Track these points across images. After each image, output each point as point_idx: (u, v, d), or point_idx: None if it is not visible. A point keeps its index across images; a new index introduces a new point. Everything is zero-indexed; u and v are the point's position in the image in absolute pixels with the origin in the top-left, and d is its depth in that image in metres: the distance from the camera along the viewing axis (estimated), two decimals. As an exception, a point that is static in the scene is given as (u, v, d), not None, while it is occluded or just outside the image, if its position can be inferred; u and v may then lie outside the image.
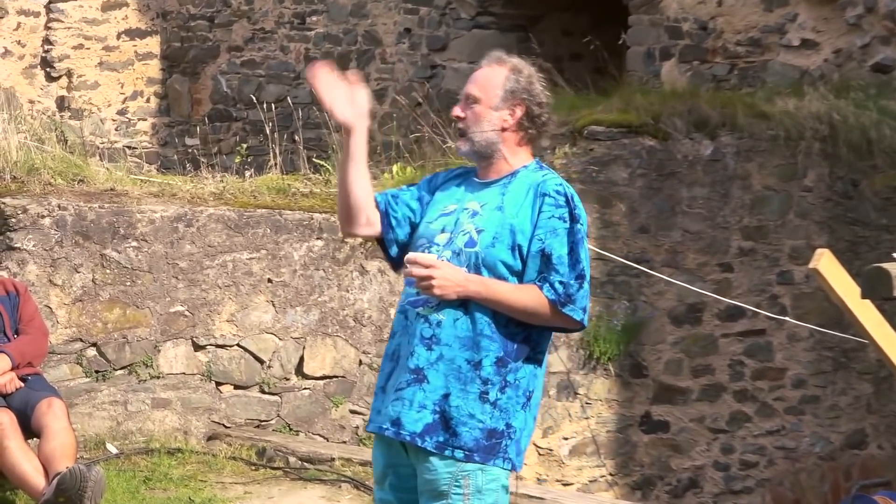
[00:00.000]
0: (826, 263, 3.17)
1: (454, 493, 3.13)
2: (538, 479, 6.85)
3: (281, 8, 10.59)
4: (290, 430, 6.36)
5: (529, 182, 3.24)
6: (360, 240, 6.10)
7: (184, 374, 6.22)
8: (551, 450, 6.95)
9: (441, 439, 3.14)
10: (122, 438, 6.02)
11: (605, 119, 7.04)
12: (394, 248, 3.35)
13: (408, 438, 3.16)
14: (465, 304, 3.17)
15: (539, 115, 3.27)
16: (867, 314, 3.18)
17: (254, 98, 9.49)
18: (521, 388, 3.19)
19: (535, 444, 6.92)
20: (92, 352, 6.05)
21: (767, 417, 7.26)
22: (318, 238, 6.44)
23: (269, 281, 6.34)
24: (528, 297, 3.16)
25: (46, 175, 6.17)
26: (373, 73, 9.99)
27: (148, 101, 11.12)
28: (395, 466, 3.25)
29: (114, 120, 10.93)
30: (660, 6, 8.46)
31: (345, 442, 6.39)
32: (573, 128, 7.04)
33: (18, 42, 10.62)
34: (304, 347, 6.41)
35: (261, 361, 6.36)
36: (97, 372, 6.06)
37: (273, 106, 8.93)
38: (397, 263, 3.36)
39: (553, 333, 3.30)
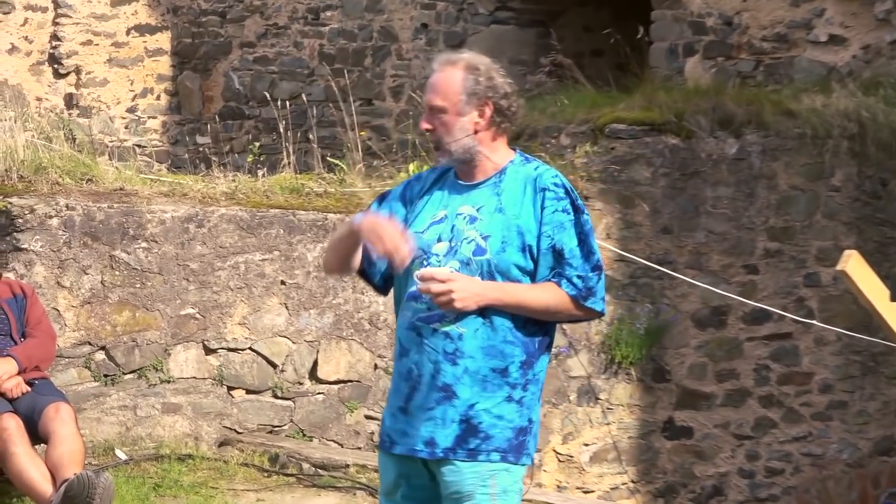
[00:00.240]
0: (854, 265, 3.15)
1: (480, 494, 3.13)
2: (558, 487, 6.87)
3: (294, 3, 10.54)
4: (304, 435, 6.35)
5: (522, 178, 3.21)
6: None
7: (195, 378, 6.19)
8: (571, 456, 6.95)
9: (472, 446, 3.15)
10: (132, 444, 6.02)
11: (627, 117, 7.02)
12: (377, 277, 3.35)
13: (441, 455, 3.16)
14: (484, 312, 3.15)
15: (508, 107, 3.23)
16: (897, 317, 3.18)
17: (267, 95, 9.44)
18: (540, 381, 3.24)
19: (554, 451, 6.95)
20: (101, 355, 6.04)
21: (794, 423, 7.23)
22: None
23: (283, 283, 6.32)
24: (548, 295, 3.16)
25: (54, 174, 6.14)
26: (388, 69, 9.94)
27: (158, 98, 11.06)
28: (408, 477, 3.24)
29: (123, 118, 10.90)
30: (683, 1, 8.39)
31: (360, 448, 6.36)
32: (594, 126, 7.07)
33: (25, 38, 10.57)
34: (317, 351, 6.39)
35: (274, 365, 6.33)
36: (106, 376, 6.05)
37: (286, 103, 8.85)
38: (384, 289, 3.36)
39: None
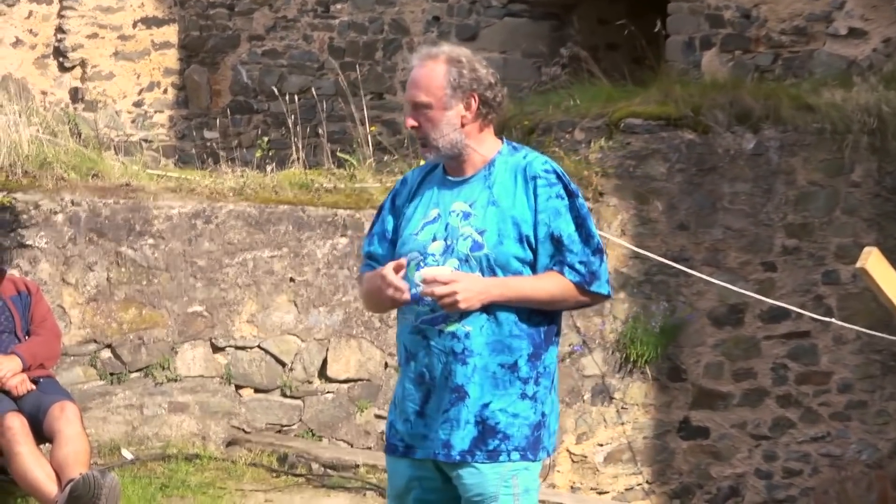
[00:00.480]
0: (874, 262, 3.14)
1: (503, 494, 3.13)
2: (572, 488, 6.97)
3: (304, -5, 10.45)
4: (313, 435, 6.33)
5: (512, 167, 3.21)
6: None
7: (202, 376, 6.18)
8: (585, 456, 6.96)
9: (492, 447, 3.15)
10: (138, 444, 6.01)
11: (642, 111, 7.02)
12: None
13: (458, 458, 3.15)
14: (488, 308, 3.15)
15: (493, 97, 3.23)
16: (918, 316, 3.18)
17: (275, 89, 9.42)
18: (551, 373, 3.23)
19: (568, 451, 6.98)
20: (106, 353, 6.04)
21: (812, 423, 7.21)
22: (342, 235, 6.40)
23: (292, 280, 6.30)
24: (552, 285, 3.16)
25: (59, 169, 6.12)
26: (399, 62, 9.92)
27: (165, 92, 11.01)
28: (421, 479, 3.24)
29: (129, 112, 10.87)
30: (700, -7, 8.34)
31: (370, 448, 6.35)
32: (609, 120, 7.15)
33: (30, 31, 10.52)
34: (327, 349, 6.38)
35: (282, 364, 6.31)
36: (112, 374, 6.05)
37: (296, 97, 8.83)
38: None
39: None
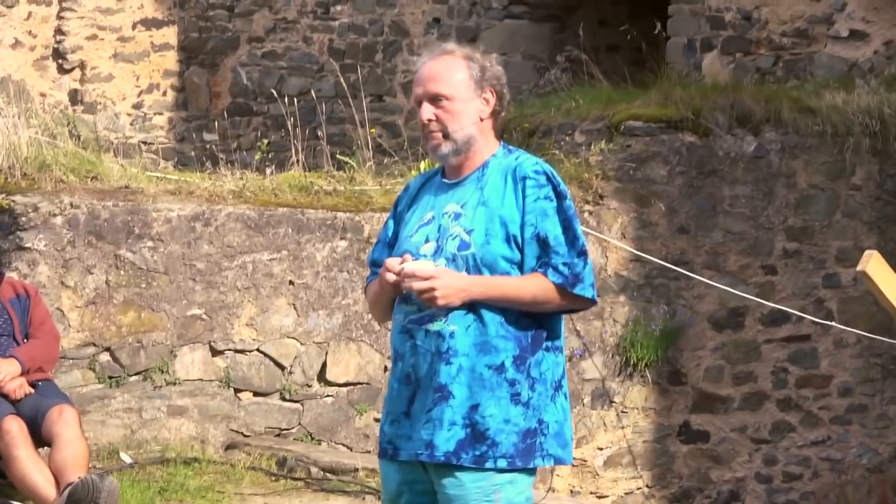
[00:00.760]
0: (875, 266, 3.13)
1: None
2: (571, 492, 6.98)
3: (304, -4, 10.44)
4: (312, 439, 6.33)
5: (503, 168, 3.22)
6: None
7: (201, 380, 6.18)
8: (585, 460, 6.96)
9: (478, 452, 3.11)
10: (137, 447, 6.00)
11: (643, 113, 7.03)
12: None
13: (442, 459, 3.12)
14: (473, 308, 3.14)
15: (506, 94, 3.28)
16: (918, 319, 3.14)
17: (275, 91, 9.41)
18: (548, 380, 3.19)
19: None
20: (105, 357, 6.02)
21: (812, 427, 7.23)
22: (341, 238, 6.39)
23: (291, 283, 6.29)
24: (535, 286, 3.14)
25: (58, 172, 6.12)
26: (399, 65, 9.91)
27: (164, 94, 11.01)
28: (411, 483, 3.21)
29: (129, 114, 10.87)
30: (701, -5, 8.34)
31: (369, 452, 6.33)
32: (610, 122, 7.14)
33: (29, 32, 10.51)
34: (326, 353, 6.38)
35: (281, 367, 6.31)
36: (111, 378, 6.04)
37: (295, 100, 8.82)
38: None
39: (563, 317, 3.29)
